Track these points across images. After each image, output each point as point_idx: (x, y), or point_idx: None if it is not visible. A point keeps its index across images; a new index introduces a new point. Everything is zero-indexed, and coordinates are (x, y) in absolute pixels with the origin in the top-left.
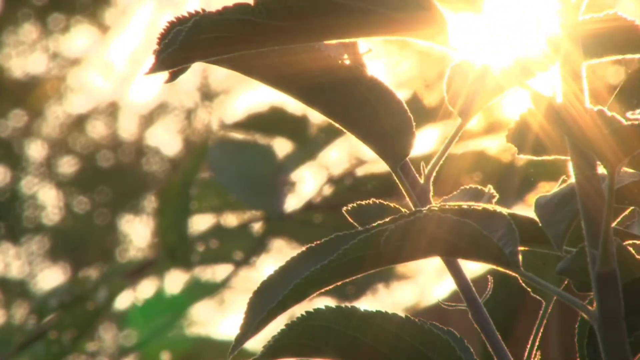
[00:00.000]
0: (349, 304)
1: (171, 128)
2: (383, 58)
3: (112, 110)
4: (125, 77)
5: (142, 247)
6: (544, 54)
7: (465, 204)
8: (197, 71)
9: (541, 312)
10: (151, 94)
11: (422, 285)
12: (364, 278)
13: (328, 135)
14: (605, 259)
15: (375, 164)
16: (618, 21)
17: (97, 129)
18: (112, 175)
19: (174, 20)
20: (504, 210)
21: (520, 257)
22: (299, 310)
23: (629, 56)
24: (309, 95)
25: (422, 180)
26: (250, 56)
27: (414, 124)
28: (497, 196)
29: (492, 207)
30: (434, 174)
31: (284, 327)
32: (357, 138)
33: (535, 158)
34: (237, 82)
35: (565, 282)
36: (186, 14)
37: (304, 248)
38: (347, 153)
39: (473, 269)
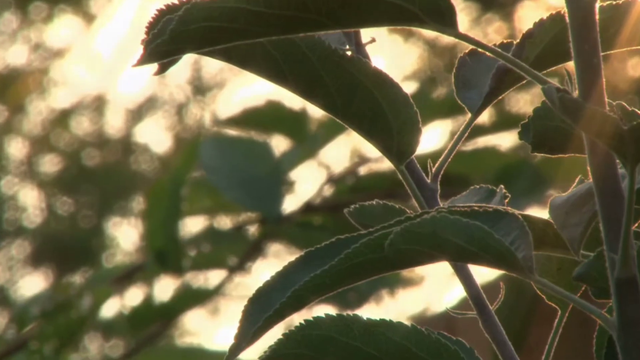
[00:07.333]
0: (351, 312)
1: (161, 124)
2: (387, 49)
3: (98, 105)
4: (111, 70)
5: (130, 251)
6: (558, 45)
7: (475, 205)
8: (188, 63)
9: (556, 320)
10: (139, 88)
11: (430, 292)
12: (367, 284)
13: (328, 132)
14: (625, 263)
15: (379, 162)
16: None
17: (82, 125)
18: (97, 174)
19: (164, 8)
20: (517, 212)
21: (534, 262)
22: (297, 319)
23: None
24: (308, 88)
25: (429, 180)
26: (245, 47)
27: (420, 119)
28: (510, 197)
29: (504, 208)
30: (442, 172)
31: (281, 337)
32: (360, 134)
33: (550, 156)
34: (232, 75)
35: (583, 289)
36: (176, 2)
37: (302, 252)
38: (349, 150)
39: (484, 274)
